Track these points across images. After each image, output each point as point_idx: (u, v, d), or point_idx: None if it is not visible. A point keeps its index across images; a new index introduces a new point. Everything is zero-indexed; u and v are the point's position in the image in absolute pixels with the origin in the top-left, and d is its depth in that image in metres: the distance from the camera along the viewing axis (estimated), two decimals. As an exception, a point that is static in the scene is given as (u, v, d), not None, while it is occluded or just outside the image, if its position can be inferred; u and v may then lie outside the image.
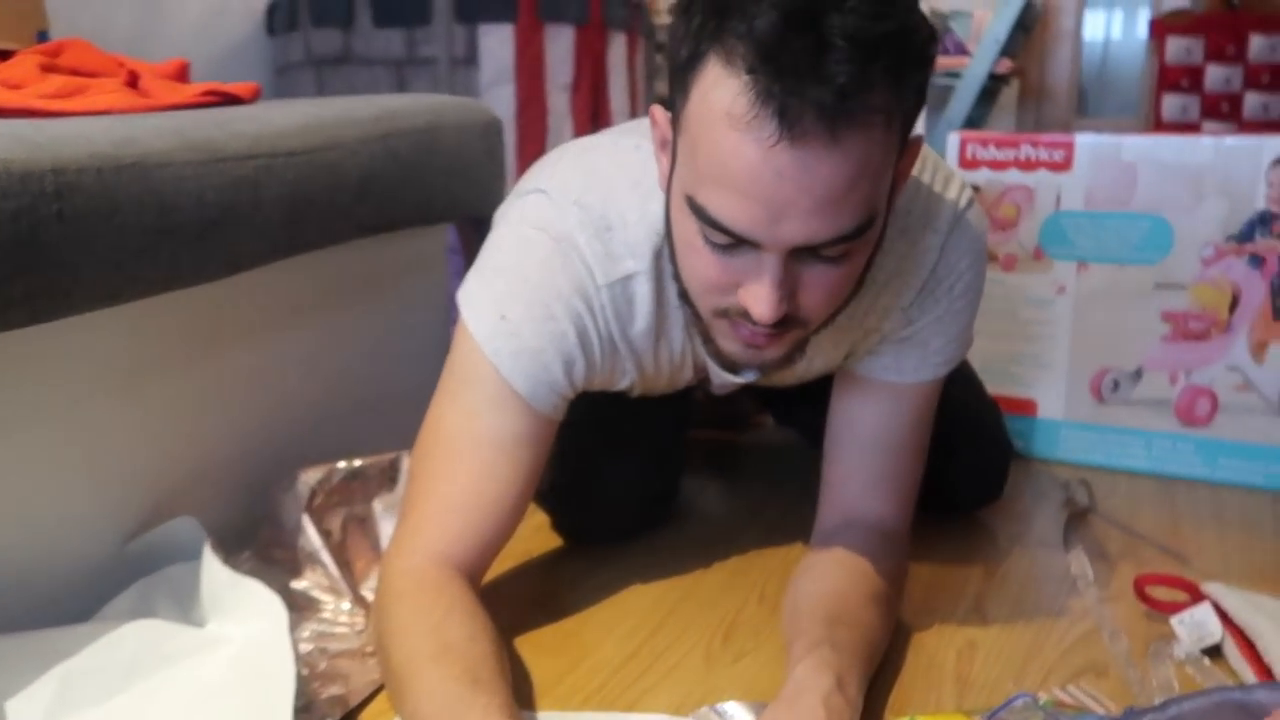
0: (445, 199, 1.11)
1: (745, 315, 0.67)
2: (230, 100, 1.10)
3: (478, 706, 0.63)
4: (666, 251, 0.76)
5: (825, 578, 0.81)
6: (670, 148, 0.68)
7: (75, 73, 1.14)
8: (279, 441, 0.97)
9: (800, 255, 0.64)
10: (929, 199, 0.80)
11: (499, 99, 2.09)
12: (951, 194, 0.81)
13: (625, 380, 0.84)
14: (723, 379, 0.85)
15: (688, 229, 0.66)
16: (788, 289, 0.64)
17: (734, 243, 0.63)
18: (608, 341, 0.79)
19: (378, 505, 0.92)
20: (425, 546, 0.77)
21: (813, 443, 1.22)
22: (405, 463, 0.95)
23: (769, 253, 0.63)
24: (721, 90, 0.59)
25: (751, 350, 0.70)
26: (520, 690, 0.77)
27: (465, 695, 0.64)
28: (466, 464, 0.78)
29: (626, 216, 0.77)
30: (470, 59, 2.10)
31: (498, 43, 2.09)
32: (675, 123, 0.66)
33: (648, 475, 1.02)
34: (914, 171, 0.78)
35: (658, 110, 0.70)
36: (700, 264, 0.67)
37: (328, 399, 1.04)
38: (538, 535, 1.03)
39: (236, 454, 0.92)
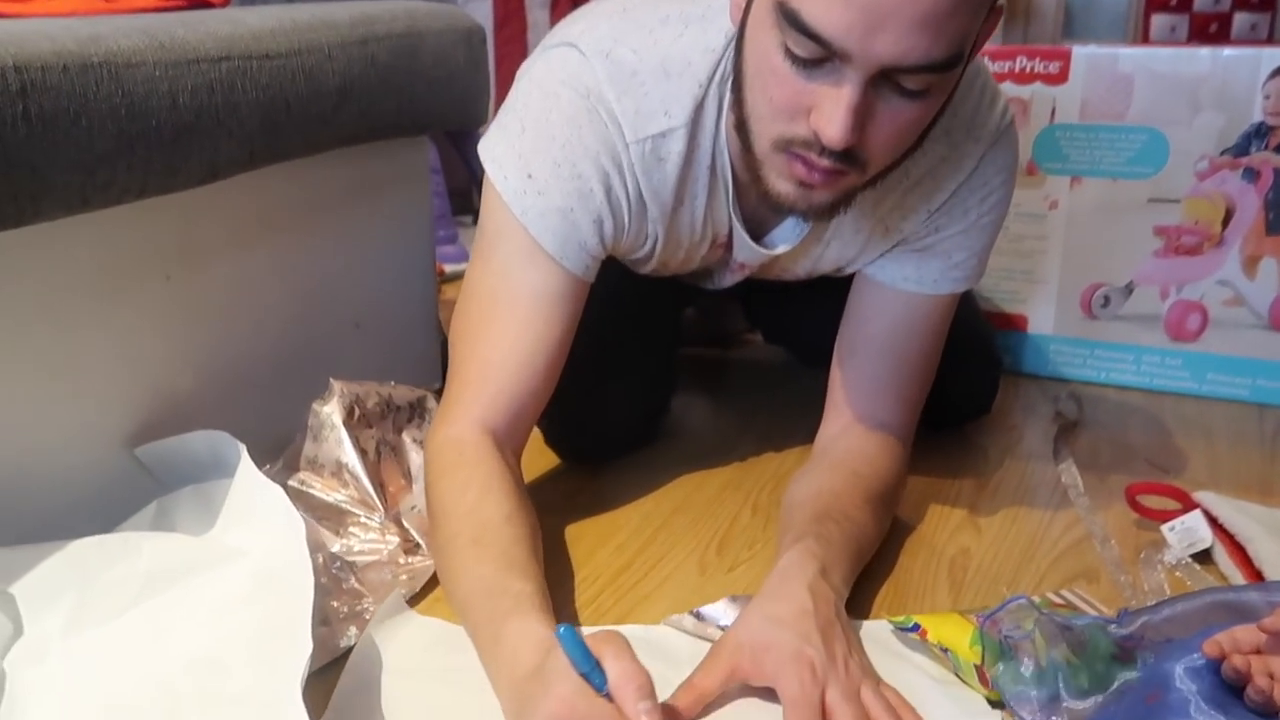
0: (428, 108, 1.07)
1: (809, 145, 0.65)
2: (199, 5, 1.05)
3: (510, 594, 0.64)
4: (711, 102, 0.74)
5: (821, 478, 0.81)
6: None
7: (34, -26, 1.08)
8: (262, 356, 0.95)
9: (880, 85, 0.62)
10: (976, 108, 0.79)
11: (476, 14, 2.03)
12: (997, 109, 0.80)
13: (647, 245, 0.82)
14: (747, 251, 0.83)
15: (768, 45, 0.63)
16: (861, 117, 0.62)
17: (819, 58, 0.61)
18: (636, 201, 0.77)
19: (407, 438, 0.91)
20: (464, 414, 0.77)
21: (802, 359, 1.22)
22: (431, 403, 0.94)
23: (853, 71, 0.60)
24: None
25: (802, 190, 0.68)
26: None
27: (500, 582, 0.65)
28: (501, 323, 0.78)
29: (668, 67, 0.74)
30: (447, -28, 2.02)
31: (475, -46, 2.02)
32: None
33: (641, 391, 1.01)
34: (967, 78, 0.76)
35: None
36: (775, 84, 0.64)
37: (310, 313, 1.01)
38: (528, 452, 1.02)
39: (220, 367, 0.90)
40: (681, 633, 0.72)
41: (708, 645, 0.68)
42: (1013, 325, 1.27)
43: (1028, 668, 0.63)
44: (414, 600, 0.77)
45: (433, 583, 0.78)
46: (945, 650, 0.68)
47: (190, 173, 0.79)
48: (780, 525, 0.80)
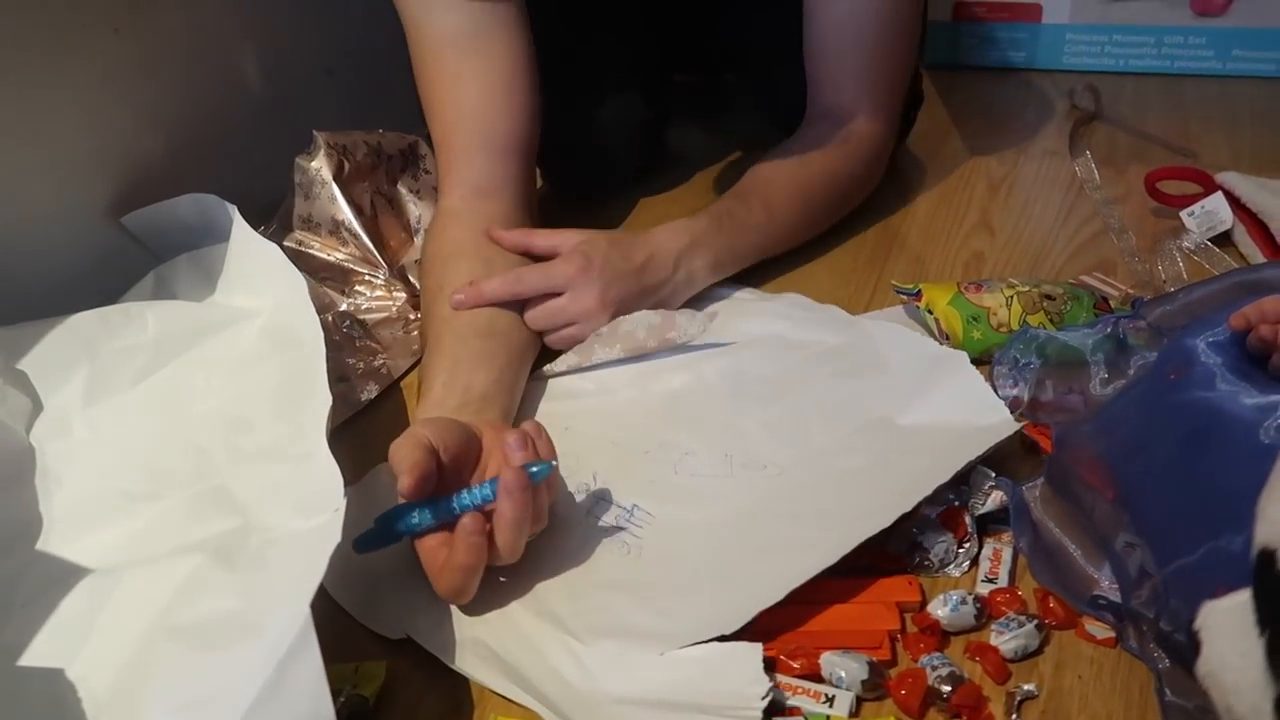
0: None
1: None
2: None
3: (427, 386, 0.63)
4: None
5: (768, 162, 0.80)
6: None
7: None
8: (233, 111, 0.90)
9: None
10: None
11: None
12: None
13: None
14: None
15: None
16: None
17: None
18: None
19: (403, 188, 0.87)
20: (448, 179, 0.76)
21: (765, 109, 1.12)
22: (424, 149, 0.89)
23: None
24: None
25: None
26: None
27: (429, 356, 0.66)
28: (441, 79, 0.74)
29: None
30: None
31: None
32: None
33: (633, 103, 0.95)
34: None
35: None
36: None
37: (277, 62, 0.95)
38: (525, 193, 0.99)
39: (191, 126, 0.85)
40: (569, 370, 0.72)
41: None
42: (1024, 17, 1.18)
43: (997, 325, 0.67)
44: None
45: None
46: (930, 312, 0.70)
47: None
48: None
